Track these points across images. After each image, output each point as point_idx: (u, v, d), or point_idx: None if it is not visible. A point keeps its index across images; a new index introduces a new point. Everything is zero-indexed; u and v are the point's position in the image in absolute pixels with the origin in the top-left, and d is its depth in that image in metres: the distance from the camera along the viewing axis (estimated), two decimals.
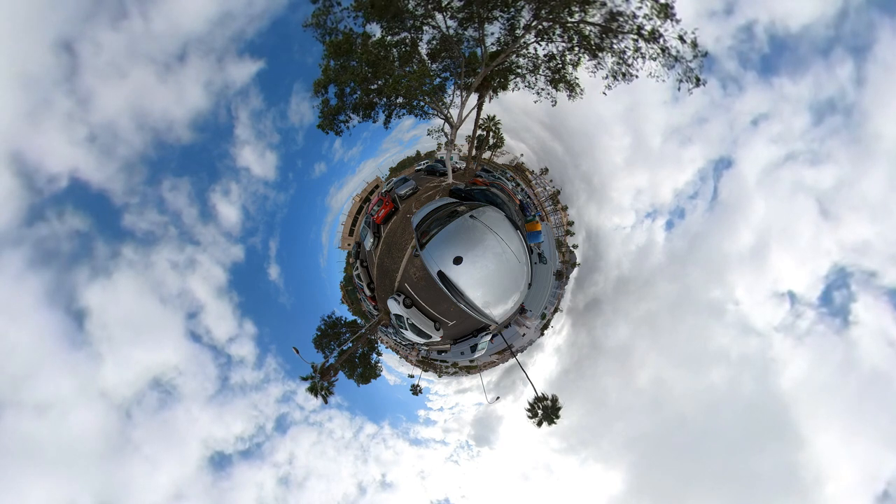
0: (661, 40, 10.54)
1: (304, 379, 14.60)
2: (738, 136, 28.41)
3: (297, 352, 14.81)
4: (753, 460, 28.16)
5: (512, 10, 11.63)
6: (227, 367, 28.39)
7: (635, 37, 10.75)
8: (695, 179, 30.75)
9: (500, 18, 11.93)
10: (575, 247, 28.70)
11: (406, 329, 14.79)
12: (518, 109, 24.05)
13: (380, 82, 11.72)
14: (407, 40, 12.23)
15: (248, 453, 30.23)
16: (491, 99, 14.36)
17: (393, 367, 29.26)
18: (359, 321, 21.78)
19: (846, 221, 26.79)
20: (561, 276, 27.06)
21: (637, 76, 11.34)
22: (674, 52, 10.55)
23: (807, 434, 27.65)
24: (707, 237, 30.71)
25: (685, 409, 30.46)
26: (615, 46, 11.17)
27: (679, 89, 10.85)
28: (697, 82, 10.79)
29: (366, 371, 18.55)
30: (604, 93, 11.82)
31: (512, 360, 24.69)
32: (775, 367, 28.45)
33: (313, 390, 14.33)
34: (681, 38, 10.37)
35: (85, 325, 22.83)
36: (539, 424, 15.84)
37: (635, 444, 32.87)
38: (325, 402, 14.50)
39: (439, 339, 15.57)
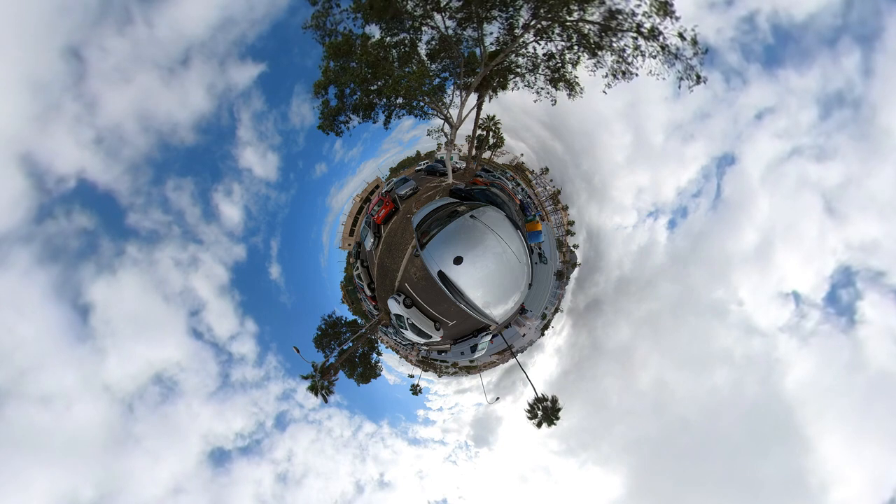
0: (661, 38, 10.48)
1: (305, 378, 14.66)
2: (741, 131, 27.69)
3: (298, 351, 14.92)
4: (757, 464, 27.83)
5: (510, 9, 11.62)
6: (228, 365, 28.58)
7: (635, 35, 10.70)
8: (698, 177, 30.21)
9: (498, 18, 11.93)
10: (575, 247, 28.60)
11: (406, 329, 14.81)
12: (518, 109, 24.05)
13: (379, 83, 11.74)
14: (406, 41, 12.25)
15: (247, 450, 30.33)
16: (491, 99, 14.38)
17: (393, 366, 29.32)
18: (359, 321, 21.82)
19: (853, 220, 26.19)
20: (561, 277, 26.97)
21: (637, 74, 11.29)
22: (674, 50, 10.49)
23: (812, 437, 27.20)
24: (710, 236, 30.31)
25: (687, 412, 30.12)
26: (615, 45, 11.13)
27: (679, 87, 10.81)
28: (698, 79, 10.72)
29: (366, 371, 18.59)
30: (604, 91, 11.79)
31: (512, 361, 24.62)
32: (780, 369, 28.01)
33: (313, 389, 14.38)
34: (680, 36, 10.31)
35: (89, 320, 23.13)
36: (539, 425, 15.71)
37: (636, 447, 32.54)
38: (325, 401, 14.55)
39: (439, 338, 15.56)
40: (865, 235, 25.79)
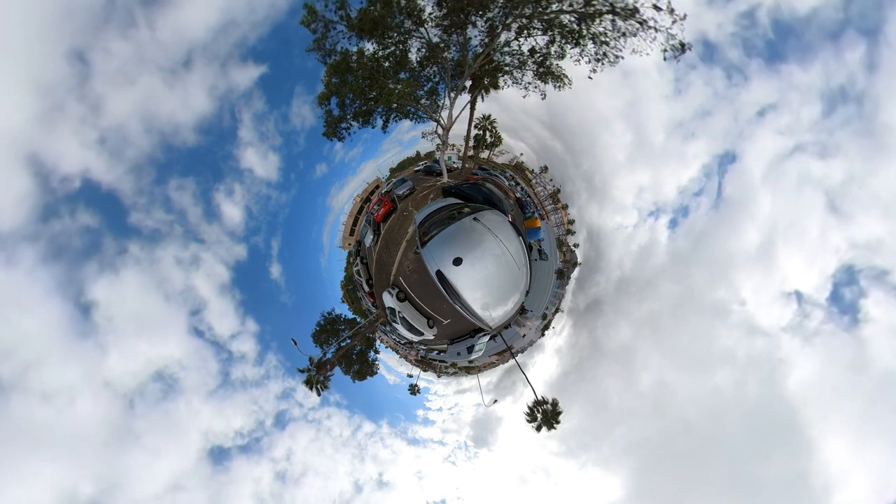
0: (637, 14, 10.51)
1: (301, 371, 14.87)
2: (743, 128, 27.51)
3: (296, 343, 15.15)
4: (759, 466, 27.43)
5: (488, 11, 11.88)
6: (229, 363, 29.00)
7: (612, 17, 10.75)
8: (699, 176, 30.07)
9: (477, 24, 12.22)
10: (576, 246, 28.55)
11: (398, 323, 14.91)
12: (517, 108, 24.17)
13: (375, 93, 12.46)
14: (397, 52, 12.78)
15: (246, 448, 30.71)
16: (483, 98, 14.58)
17: (392, 366, 29.48)
18: (358, 320, 22.01)
19: (856, 218, 25.87)
20: (562, 276, 26.93)
21: (622, 57, 11.32)
22: (652, 24, 10.47)
23: (815, 439, 26.77)
24: (711, 236, 30.13)
25: (688, 413, 29.84)
26: (594, 30, 11.23)
27: (665, 59, 10.73)
28: (682, 48, 10.62)
29: (362, 368, 18.75)
30: (589, 77, 11.82)
31: (512, 361, 24.55)
32: (782, 369, 27.67)
33: (309, 383, 14.57)
34: (655, 7, 10.31)
35: (92, 318, 23.65)
36: (538, 429, 15.03)
37: (636, 449, 32.28)
38: (319, 394, 14.73)
39: (432, 336, 15.61)
40: (869, 233, 25.47)
